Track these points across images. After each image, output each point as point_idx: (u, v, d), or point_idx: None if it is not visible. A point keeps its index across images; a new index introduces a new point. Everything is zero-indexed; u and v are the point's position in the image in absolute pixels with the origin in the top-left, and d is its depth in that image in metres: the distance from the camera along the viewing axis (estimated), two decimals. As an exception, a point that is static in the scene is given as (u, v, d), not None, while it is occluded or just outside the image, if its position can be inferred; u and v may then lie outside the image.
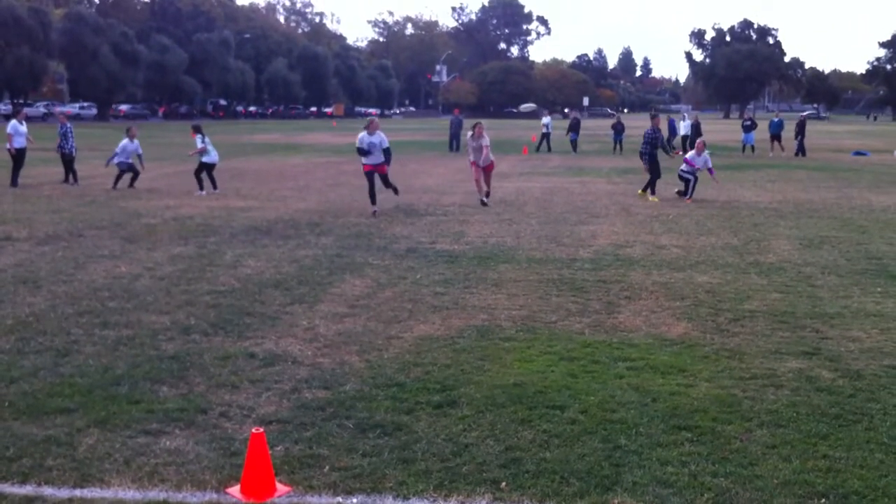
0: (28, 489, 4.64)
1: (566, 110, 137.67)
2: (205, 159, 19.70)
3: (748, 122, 39.61)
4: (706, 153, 20.19)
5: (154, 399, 6.00)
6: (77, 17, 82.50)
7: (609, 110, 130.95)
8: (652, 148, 19.78)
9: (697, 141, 21.16)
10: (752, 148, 38.41)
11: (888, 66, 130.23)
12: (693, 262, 11.58)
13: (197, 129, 20.15)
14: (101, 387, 6.23)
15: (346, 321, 8.22)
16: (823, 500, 4.59)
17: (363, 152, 16.27)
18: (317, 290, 9.59)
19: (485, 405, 5.94)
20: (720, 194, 20.58)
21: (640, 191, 20.44)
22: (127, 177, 20.74)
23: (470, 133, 18.56)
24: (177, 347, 7.26)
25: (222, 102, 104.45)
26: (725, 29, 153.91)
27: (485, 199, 18.09)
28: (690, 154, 20.35)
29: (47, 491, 4.62)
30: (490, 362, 6.95)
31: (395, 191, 17.44)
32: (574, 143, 40.37)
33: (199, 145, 19.70)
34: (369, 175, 16.41)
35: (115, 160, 20.82)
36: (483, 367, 6.81)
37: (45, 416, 5.67)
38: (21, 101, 78.75)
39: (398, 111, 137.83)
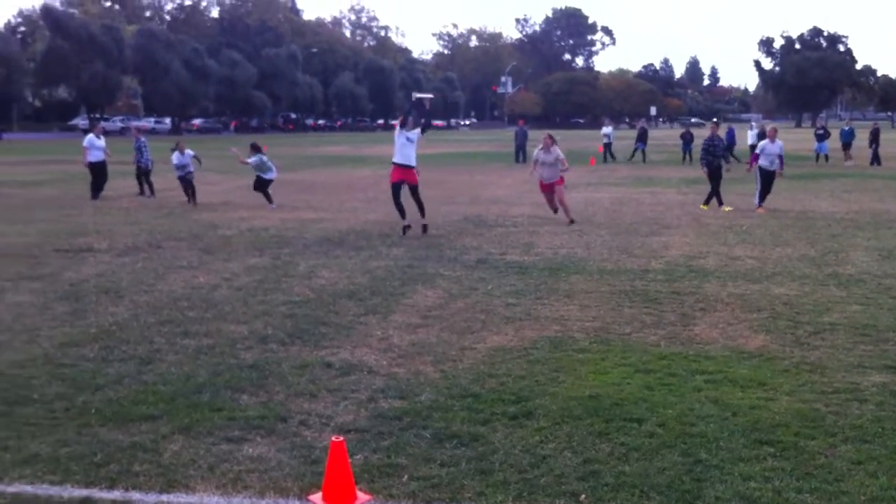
0: (116, 494, 4.76)
1: (627, 120, 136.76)
2: (265, 175, 19.55)
3: (821, 131, 38.85)
4: (779, 142, 19.75)
5: (235, 407, 6.12)
6: (149, 33, 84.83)
7: (693, 120, 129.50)
8: (710, 156, 19.56)
9: (769, 128, 20.91)
10: (826, 157, 37.67)
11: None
12: (769, 273, 11.38)
13: (255, 148, 19.65)
14: (183, 394, 6.37)
15: (420, 332, 8.28)
16: (914, 518, 4.48)
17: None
18: (390, 300, 9.67)
19: (561, 417, 5.92)
20: (794, 204, 20.21)
21: (702, 204, 19.94)
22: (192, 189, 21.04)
23: (540, 147, 17.44)
24: (255, 356, 7.39)
25: (292, 116, 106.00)
26: (794, 36, 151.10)
27: (570, 218, 16.79)
28: (763, 143, 19.91)
29: (135, 496, 4.74)
30: (565, 374, 6.92)
31: (422, 211, 15.07)
32: (643, 153, 40.07)
33: (250, 160, 19.30)
34: (395, 187, 14.77)
35: (176, 174, 21.09)
36: (558, 379, 6.79)
37: (131, 422, 5.82)
38: (97, 115, 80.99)
39: (465, 122, 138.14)
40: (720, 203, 19.49)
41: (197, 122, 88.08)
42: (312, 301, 9.59)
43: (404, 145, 14.64)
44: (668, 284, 10.60)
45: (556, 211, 17.40)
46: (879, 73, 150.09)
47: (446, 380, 6.76)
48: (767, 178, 19.37)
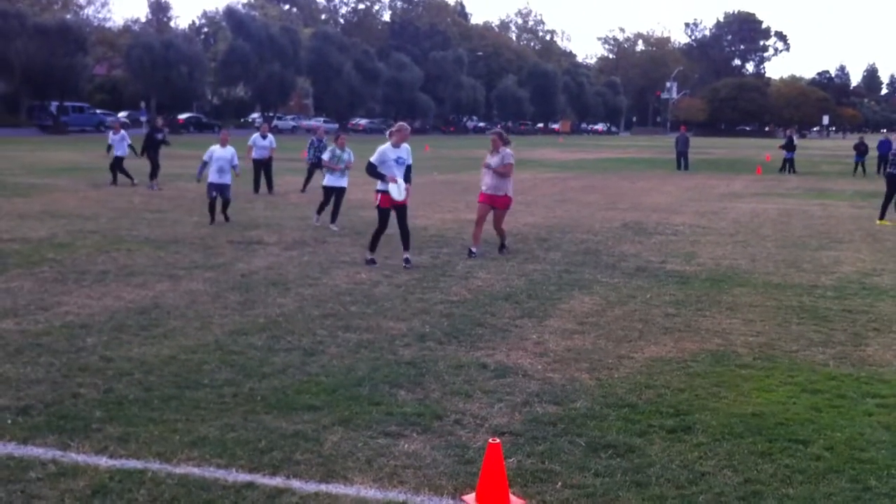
0: (277, 481, 4.93)
1: (786, 131, 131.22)
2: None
3: None
4: None
5: (393, 402, 6.25)
6: (324, 36, 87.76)
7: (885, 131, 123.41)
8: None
9: None
10: None
11: None
12: (951, 295, 10.68)
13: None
14: (344, 387, 6.56)
15: (576, 338, 8.22)
16: None
17: (374, 172, 11.64)
18: (546, 304, 9.65)
19: (721, 433, 5.75)
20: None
21: (877, 220, 18.96)
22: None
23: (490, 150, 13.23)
24: (413, 353, 7.53)
25: (450, 118, 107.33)
26: None
27: (501, 247, 13.25)
28: None
29: (295, 484, 4.90)
30: (726, 389, 6.72)
31: (406, 242, 11.96)
32: (789, 162, 38.31)
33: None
34: (384, 213, 11.93)
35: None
36: (719, 394, 6.59)
37: (294, 411, 6.03)
38: (272, 114, 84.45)
39: (626, 133, 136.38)
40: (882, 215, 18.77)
41: (363, 122, 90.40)
42: (469, 301, 9.68)
43: (396, 162, 11.77)
44: (839, 302, 10.12)
45: (502, 246, 13.28)
46: None
47: (602, 388, 6.69)
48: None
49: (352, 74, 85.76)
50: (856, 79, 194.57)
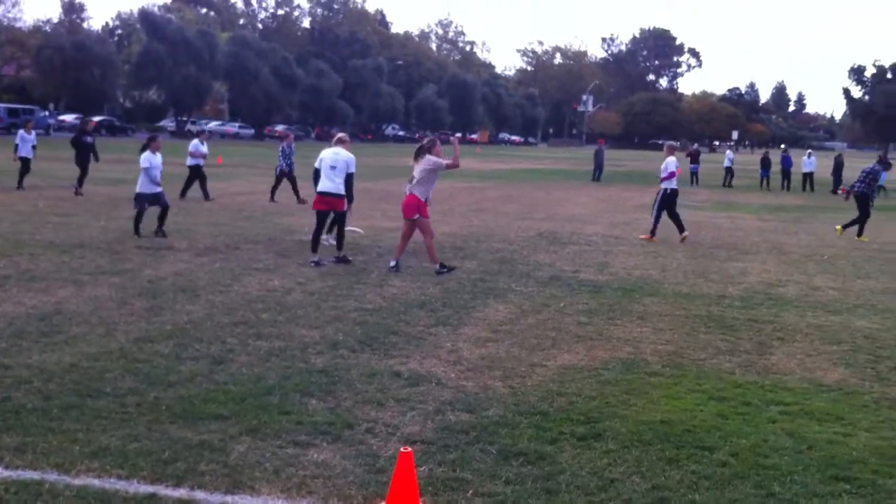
0: (182, 492, 4.79)
1: (693, 145, 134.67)
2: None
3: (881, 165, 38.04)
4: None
5: (303, 411, 6.15)
6: (242, 40, 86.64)
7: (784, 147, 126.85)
8: (868, 187, 19.24)
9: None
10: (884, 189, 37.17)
11: None
12: (850, 305, 11.05)
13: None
14: (253, 396, 6.43)
15: (490, 346, 8.23)
16: None
17: (317, 177, 12.90)
18: (460, 313, 9.65)
19: (630, 440, 5.81)
20: (878, 236, 19.62)
21: (858, 236, 19.34)
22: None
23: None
24: (325, 362, 7.42)
25: (393, 127, 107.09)
26: (887, 66, 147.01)
27: (394, 265, 12.29)
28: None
29: (199, 495, 4.76)
30: (636, 397, 6.80)
31: (340, 246, 12.82)
32: (694, 175, 39.56)
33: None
34: (321, 215, 12.80)
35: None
36: (629, 402, 6.67)
37: (200, 421, 5.88)
38: (185, 118, 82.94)
39: (543, 144, 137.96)
40: (850, 228, 19.42)
41: (279, 128, 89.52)
42: (384, 309, 9.62)
43: (332, 165, 12.59)
44: (746, 311, 10.36)
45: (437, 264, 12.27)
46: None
47: (514, 396, 6.70)
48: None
49: (269, 80, 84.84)
50: (765, 95, 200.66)
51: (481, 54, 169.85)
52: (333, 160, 12.59)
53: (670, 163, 17.70)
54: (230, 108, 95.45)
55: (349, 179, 12.92)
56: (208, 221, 17.33)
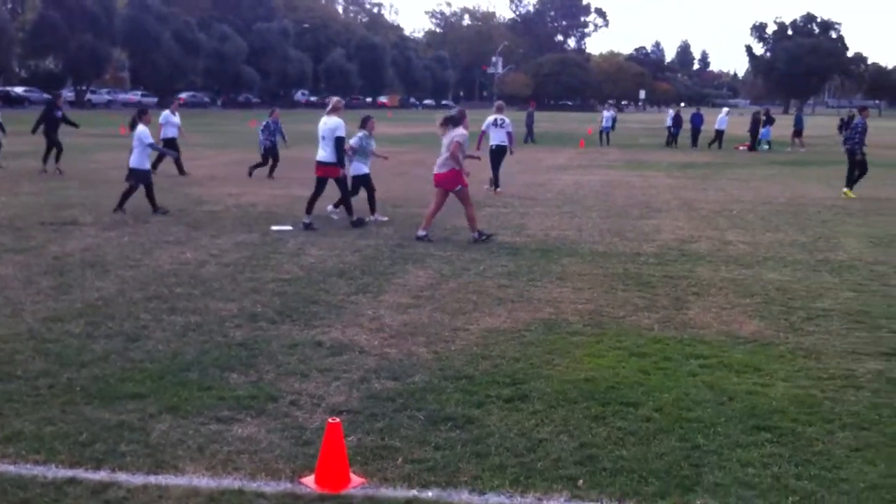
0: (102, 475, 4.63)
1: (623, 103, 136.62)
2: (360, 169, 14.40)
3: (765, 118, 39.14)
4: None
5: (224, 386, 6.00)
6: (141, 4, 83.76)
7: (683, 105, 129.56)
8: (857, 142, 19.37)
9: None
10: (769, 143, 38.29)
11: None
12: (761, 258, 11.32)
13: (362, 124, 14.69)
14: (171, 372, 6.25)
15: (412, 312, 8.17)
16: (914, 509, 4.42)
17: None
18: (380, 279, 9.56)
19: (556, 400, 5.84)
20: (785, 190, 20.18)
21: (846, 189, 19.54)
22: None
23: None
24: (245, 335, 7.27)
25: (303, 93, 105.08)
26: (787, 22, 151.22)
27: (477, 235, 12.22)
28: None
29: (121, 477, 4.61)
30: (559, 356, 6.84)
31: (349, 211, 13.44)
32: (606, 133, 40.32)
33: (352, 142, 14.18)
34: (319, 181, 13.36)
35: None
36: (552, 362, 6.70)
37: (117, 401, 5.69)
38: (84, 87, 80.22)
39: (449, 102, 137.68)
40: (849, 186, 19.58)
41: (183, 95, 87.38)
42: (302, 279, 9.46)
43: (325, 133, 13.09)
44: (661, 268, 10.53)
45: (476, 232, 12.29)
46: (870, 61, 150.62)
47: (439, 361, 6.67)
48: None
49: (171, 46, 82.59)
50: (670, 55, 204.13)
51: (389, 16, 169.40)
52: (322, 129, 13.06)
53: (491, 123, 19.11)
54: (131, 76, 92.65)
55: (339, 143, 12.98)
56: (114, 193, 16.76)
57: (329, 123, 13.05)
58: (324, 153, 13.10)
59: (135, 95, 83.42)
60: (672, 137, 39.72)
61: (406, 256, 10.94)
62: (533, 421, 5.47)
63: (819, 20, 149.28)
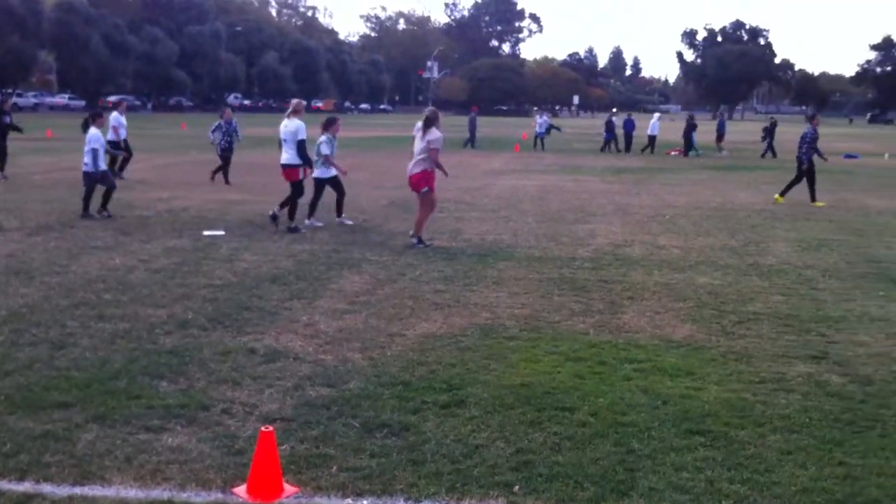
0: (26, 486, 4.48)
1: (557, 108, 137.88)
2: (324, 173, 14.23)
3: (694, 123, 39.83)
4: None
5: (154, 394, 5.85)
6: (69, 6, 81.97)
7: (615, 110, 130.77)
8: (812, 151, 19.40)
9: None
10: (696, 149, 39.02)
11: (878, 69, 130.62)
12: (693, 262, 11.48)
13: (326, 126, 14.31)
14: (98, 381, 6.08)
15: (347, 318, 8.08)
16: (843, 509, 4.49)
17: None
18: (315, 285, 9.45)
19: (493, 406, 5.82)
20: (715, 195, 20.52)
21: (777, 195, 19.69)
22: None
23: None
24: (175, 342, 7.11)
25: (235, 96, 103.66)
26: (717, 29, 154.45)
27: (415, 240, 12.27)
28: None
29: (46, 488, 4.47)
30: (496, 362, 6.82)
31: (290, 216, 13.19)
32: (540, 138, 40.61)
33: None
34: (293, 186, 13.31)
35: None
36: (489, 367, 6.68)
37: (43, 410, 5.51)
38: (10, 90, 78.18)
39: (388, 106, 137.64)
40: (783, 192, 19.66)
41: (112, 99, 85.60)
42: (235, 285, 9.31)
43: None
44: (596, 272, 10.60)
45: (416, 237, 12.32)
46: (797, 68, 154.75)
47: (375, 367, 6.60)
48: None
49: (100, 48, 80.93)
50: (603, 60, 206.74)
51: (324, 20, 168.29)
52: (283, 132, 13.12)
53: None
54: (59, 78, 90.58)
55: (301, 147, 12.97)
56: (40, 198, 16.37)
57: (290, 126, 13.04)
58: (284, 156, 13.12)
59: (62, 98, 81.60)
60: (606, 143, 40.19)
61: (342, 262, 10.84)
62: (469, 427, 5.44)
63: (748, 27, 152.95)
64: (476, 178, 24.19)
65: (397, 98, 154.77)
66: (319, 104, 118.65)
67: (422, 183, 12.13)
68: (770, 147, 37.73)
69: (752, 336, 7.85)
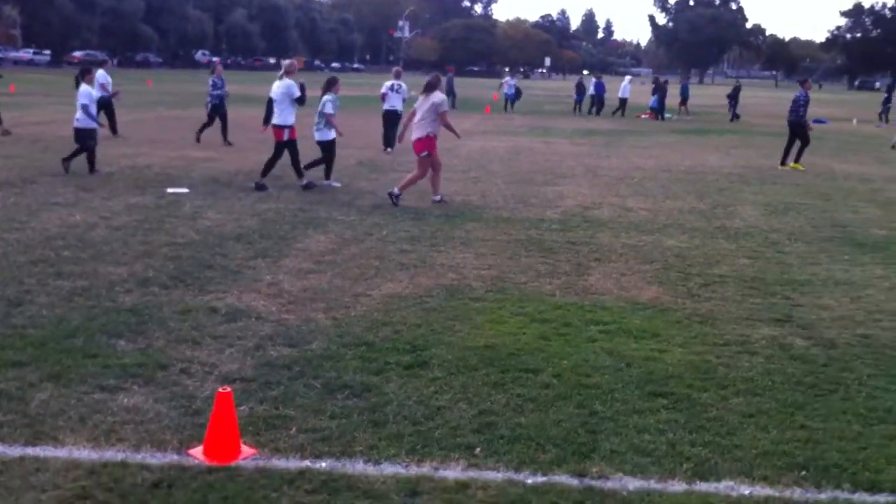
0: (-24, 446, 4.38)
1: (521, 70, 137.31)
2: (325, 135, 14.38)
3: (654, 86, 39.78)
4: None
5: (111, 353, 5.73)
6: (32, -42, 79.99)
7: (586, 73, 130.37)
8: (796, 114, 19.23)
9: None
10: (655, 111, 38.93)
11: (847, 36, 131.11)
12: (661, 225, 11.47)
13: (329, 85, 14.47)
14: (54, 339, 5.94)
15: (312, 277, 7.98)
16: (804, 472, 4.49)
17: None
18: (280, 244, 9.32)
19: (456, 367, 5.76)
20: (684, 158, 20.53)
21: (793, 162, 19.29)
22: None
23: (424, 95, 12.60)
24: (134, 300, 6.97)
25: (203, 53, 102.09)
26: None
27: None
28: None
29: (-3, 449, 4.36)
30: (461, 323, 6.76)
31: (263, 173, 13.14)
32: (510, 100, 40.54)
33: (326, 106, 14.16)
34: (281, 146, 13.22)
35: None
36: (453, 328, 6.62)
37: (-5, 369, 5.38)
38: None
39: (361, 66, 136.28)
40: (796, 159, 19.34)
41: (78, 54, 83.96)
42: (197, 243, 9.15)
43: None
44: (563, 234, 10.56)
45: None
46: (768, 33, 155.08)
47: (339, 327, 6.51)
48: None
49: (65, 3, 79.16)
50: (575, 23, 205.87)
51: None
52: (275, 92, 13.09)
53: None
54: (23, 33, 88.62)
55: (294, 105, 13.04)
56: (1, 153, 16.01)
57: (281, 87, 12.98)
58: (274, 117, 13.06)
59: (26, 53, 79.91)
60: (577, 104, 40.09)
61: (307, 221, 10.71)
62: (432, 388, 5.38)
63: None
64: (446, 139, 23.92)
65: (368, 57, 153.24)
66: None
67: (423, 147, 12.37)
68: (733, 111, 38.02)
69: (717, 299, 7.85)
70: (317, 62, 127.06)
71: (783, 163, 19.40)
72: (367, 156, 18.24)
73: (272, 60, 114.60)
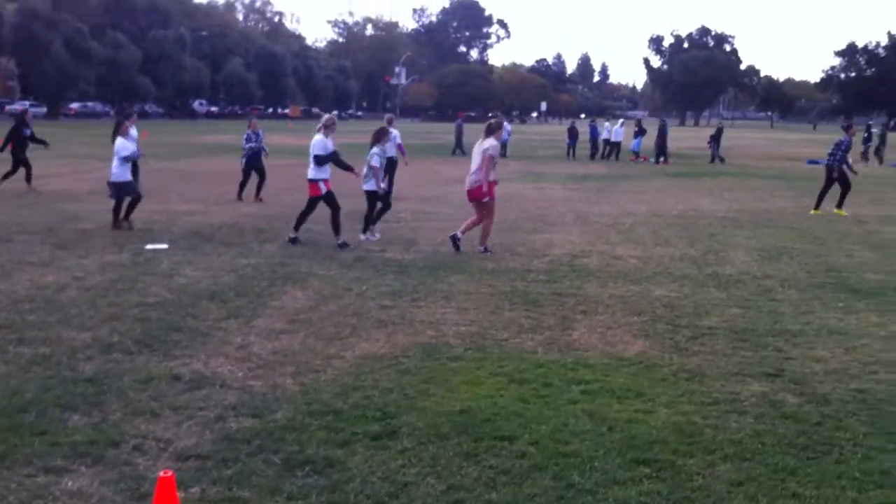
0: None
1: (515, 114, 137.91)
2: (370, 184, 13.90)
3: (637, 129, 39.69)
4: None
5: (61, 430, 5.41)
6: (30, 11, 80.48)
7: (583, 116, 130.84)
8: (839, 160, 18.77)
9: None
10: (637, 154, 38.65)
11: (842, 76, 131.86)
12: (650, 273, 11.20)
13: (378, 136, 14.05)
14: (6, 414, 5.63)
15: (283, 338, 7.68)
16: (794, 550, 4.17)
17: (340, 162, 13.27)
18: (255, 302, 9.03)
19: (427, 436, 5.45)
20: (676, 203, 20.32)
21: (836, 208, 18.78)
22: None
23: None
24: (95, 368, 6.67)
25: (201, 102, 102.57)
26: (683, 35, 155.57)
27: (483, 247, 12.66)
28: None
29: (-74, 541, 4.06)
30: (435, 385, 6.46)
31: (296, 226, 13.27)
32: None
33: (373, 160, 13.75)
34: (326, 197, 13.24)
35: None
36: (427, 391, 6.31)
37: (-64, 449, 5.08)
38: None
39: (360, 112, 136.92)
40: (838, 205, 18.84)
41: (74, 105, 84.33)
42: (169, 303, 8.86)
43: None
44: (550, 285, 10.28)
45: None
46: (762, 74, 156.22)
47: (306, 394, 6.21)
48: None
49: (62, 53, 79.57)
50: (571, 67, 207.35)
51: (291, 25, 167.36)
52: (312, 147, 12.96)
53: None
54: (21, 84, 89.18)
55: (317, 159, 12.97)
56: (-18, 210, 15.80)
57: (312, 143, 12.99)
58: (312, 171, 13.09)
59: (22, 105, 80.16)
60: (570, 149, 40.00)
61: (287, 276, 10.43)
62: (399, 461, 5.07)
63: (714, 33, 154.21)
64: (437, 185, 23.81)
65: (365, 104, 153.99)
66: (286, 111, 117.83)
67: (475, 196, 12.68)
68: (716, 153, 37.63)
69: (706, 352, 7.56)
70: (315, 109, 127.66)
71: (817, 207, 18.89)
72: (354, 208, 17.97)
73: (270, 110, 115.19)
